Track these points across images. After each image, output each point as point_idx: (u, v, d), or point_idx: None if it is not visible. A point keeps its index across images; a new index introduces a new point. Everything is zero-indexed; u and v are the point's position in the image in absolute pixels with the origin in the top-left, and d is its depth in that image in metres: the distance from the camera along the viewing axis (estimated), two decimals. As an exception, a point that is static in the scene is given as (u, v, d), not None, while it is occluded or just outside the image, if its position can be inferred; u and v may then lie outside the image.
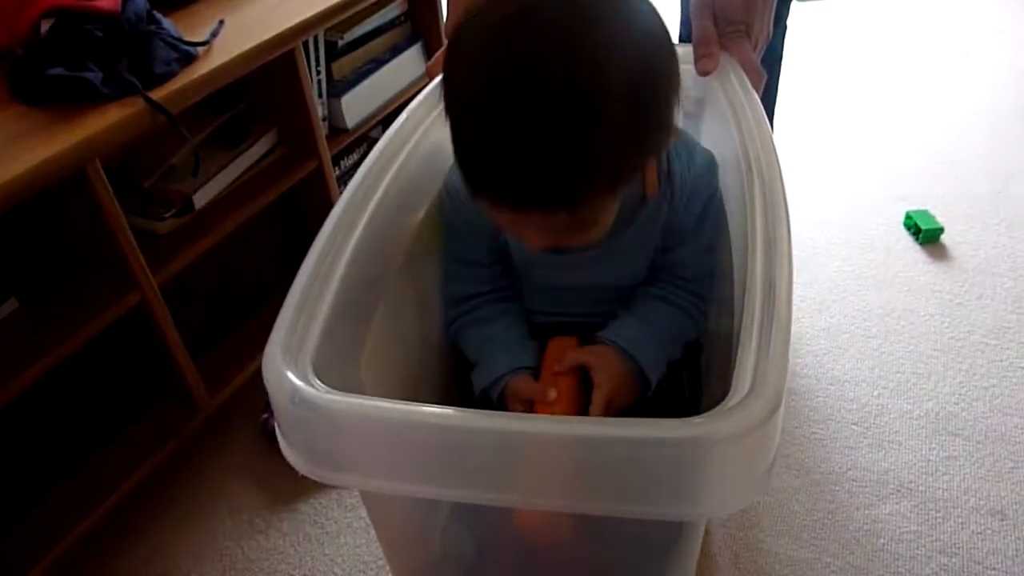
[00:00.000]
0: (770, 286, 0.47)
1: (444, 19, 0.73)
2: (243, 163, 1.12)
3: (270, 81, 1.08)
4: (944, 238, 1.50)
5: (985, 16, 2.35)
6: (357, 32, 1.24)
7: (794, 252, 1.61)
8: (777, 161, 0.58)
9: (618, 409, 0.67)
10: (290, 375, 0.46)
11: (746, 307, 0.47)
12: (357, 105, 1.23)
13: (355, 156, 1.39)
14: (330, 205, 1.20)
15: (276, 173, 1.14)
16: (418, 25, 1.36)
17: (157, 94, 0.87)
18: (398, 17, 1.31)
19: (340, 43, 1.21)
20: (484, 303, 0.74)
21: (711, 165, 0.70)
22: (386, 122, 1.38)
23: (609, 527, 0.54)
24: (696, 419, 0.40)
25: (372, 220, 0.62)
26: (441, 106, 0.69)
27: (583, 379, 0.68)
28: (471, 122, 0.52)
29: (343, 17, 1.10)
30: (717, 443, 0.40)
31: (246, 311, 1.23)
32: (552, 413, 0.64)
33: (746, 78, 0.70)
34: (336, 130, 1.23)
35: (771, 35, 0.78)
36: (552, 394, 0.64)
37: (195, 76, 0.90)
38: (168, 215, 1.04)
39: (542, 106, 0.47)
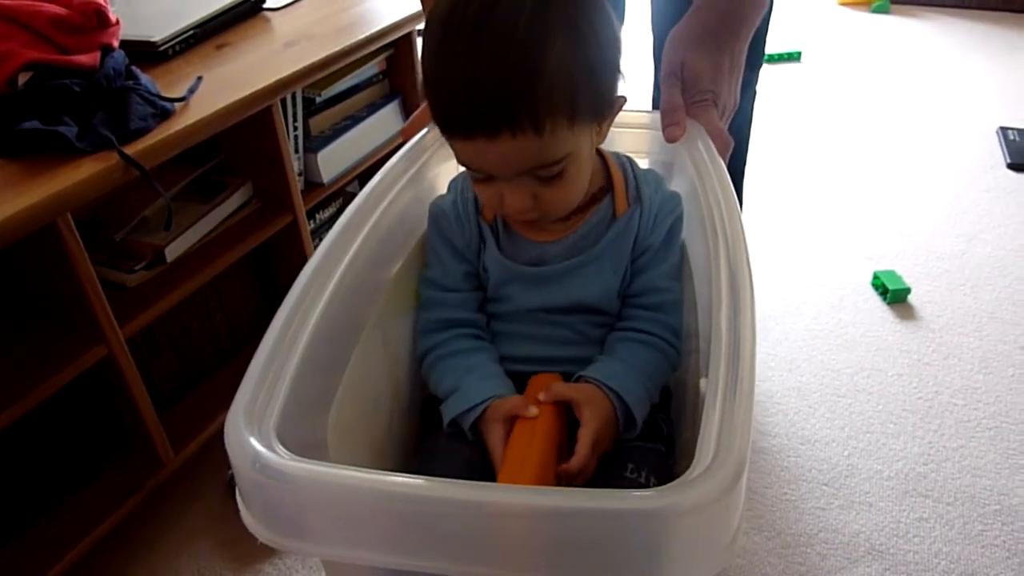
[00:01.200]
0: (735, 354, 0.48)
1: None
2: (217, 216, 1.12)
3: (247, 136, 1.08)
4: (911, 298, 1.53)
5: (946, 78, 2.44)
6: (335, 89, 1.25)
7: (764, 311, 1.61)
8: (741, 227, 0.60)
9: (601, 452, 0.66)
10: (252, 441, 0.46)
11: (710, 374, 0.47)
12: (333, 160, 1.24)
13: (330, 210, 1.40)
14: (304, 259, 1.21)
15: (250, 227, 1.14)
16: (395, 83, 1.38)
17: (132, 149, 0.87)
18: (376, 75, 1.34)
19: (318, 100, 1.22)
20: (460, 336, 0.73)
21: (676, 194, 0.73)
22: (362, 177, 1.39)
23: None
24: (660, 490, 0.41)
25: (343, 279, 0.62)
26: (418, 164, 0.70)
27: (565, 416, 0.67)
28: (440, 66, 0.58)
29: (321, 76, 1.11)
30: (682, 514, 0.40)
31: (215, 364, 1.21)
32: (533, 434, 0.63)
33: (712, 145, 0.71)
34: (312, 184, 1.24)
35: (739, 101, 0.80)
36: (534, 410, 0.64)
37: (171, 132, 0.90)
38: (139, 267, 1.03)
39: (496, 38, 0.55)
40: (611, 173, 0.71)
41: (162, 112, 0.93)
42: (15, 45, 0.94)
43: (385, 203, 0.69)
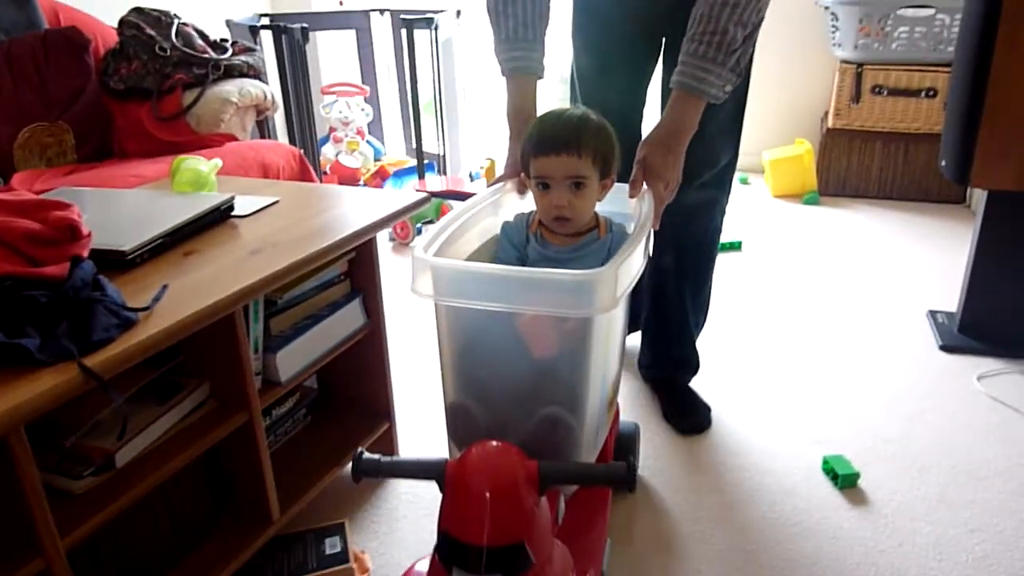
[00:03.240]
0: (631, 245, 1.06)
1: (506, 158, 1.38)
2: (171, 418, 1.12)
3: (207, 339, 1.11)
4: (861, 482, 1.55)
5: (875, 263, 2.61)
6: (297, 291, 1.30)
7: (722, 499, 1.63)
8: (650, 231, 1.22)
9: None
10: (425, 255, 1.03)
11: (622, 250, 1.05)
12: (292, 360, 1.26)
13: (287, 405, 1.41)
14: (258, 458, 1.20)
15: (204, 427, 1.14)
16: (356, 283, 1.44)
17: (93, 360, 0.89)
18: (338, 276, 1.40)
19: (279, 301, 1.27)
20: None
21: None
22: (321, 373, 1.42)
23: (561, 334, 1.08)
24: (592, 271, 0.97)
25: (458, 231, 1.18)
26: (496, 195, 1.31)
27: None
28: (543, 126, 1.18)
29: (284, 282, 1.16)
30: (597, 280, 0.96)
31: (158, 572, 1.17)
32: None
33: (654, 202, 1.25)
34: (269, 382, 1.25)
35: (680, 182, 1.33)
36: None
37: (133, 342, 0.92)
38: (87, 473, 1.02)
39: (566, 120, 1.17)
40: (599, 220, 1.23)
41: (125, 322, 0.96)
42: (-13, 259, 0.98)
43: (479, 212, 1.25)
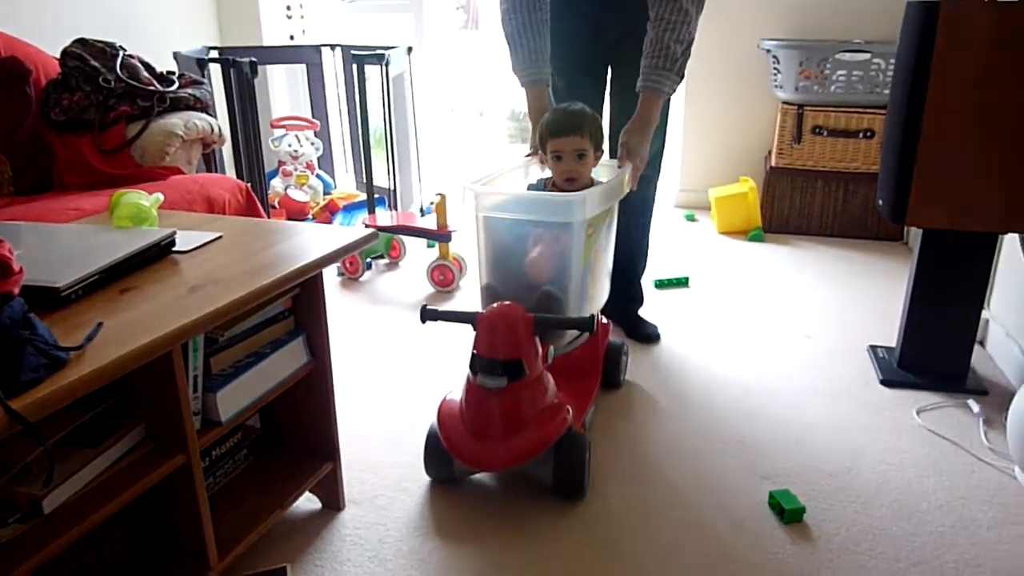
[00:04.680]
0: (600, 187, 1.71)
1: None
2: (105, 461, 1.08)
3: (143, 378, 1.08)
4: (807, 517, 1.57)
5: (817, 299, 2.68)
6: (239, 329, 1.27)
7: (666, 537, 1.63)
8: (625, 181, 1.86)
9: None
10: (474, 186, 1.68)
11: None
12: (233, 399, 1.23)
13: (227, 446, 1.37)
14: (195, 501, 1.16)
15: (140, 470, 1.10)
16: (300, 320, 1.41)
17: (20, 402, 0.85)
18: (281, 313, 1.37)
19: (220, 339, 1.24)
20: None
21: None
22: (264, 411, 1.38)
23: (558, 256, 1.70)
24: (576, 193, 1.64)
25: (508, 176, 1.87)
26: (528, 165, 1.96)
27: None
28: (556, 116, 1.78)
29: (225, 320, 1.14)
30: (579, 201, 1.60)
31: (87, 624, 1.12)
32: None
33: (630, 171, 1.88)
34: (209, 423, 1.22)
35: (647, 161, 1.96)
36: None
37: (63, 383, 0.89)
38: (11, 520, 0.97)
39: (572, 111, 1.78)
40: (593, 183, 1.76)
41: (56, 362, 0.92)
42: (-91, 297, 0.94)
43: (512, 172, 1.89)
